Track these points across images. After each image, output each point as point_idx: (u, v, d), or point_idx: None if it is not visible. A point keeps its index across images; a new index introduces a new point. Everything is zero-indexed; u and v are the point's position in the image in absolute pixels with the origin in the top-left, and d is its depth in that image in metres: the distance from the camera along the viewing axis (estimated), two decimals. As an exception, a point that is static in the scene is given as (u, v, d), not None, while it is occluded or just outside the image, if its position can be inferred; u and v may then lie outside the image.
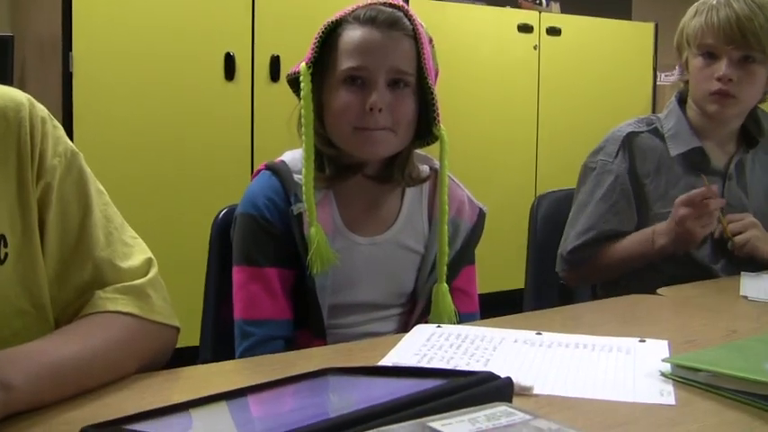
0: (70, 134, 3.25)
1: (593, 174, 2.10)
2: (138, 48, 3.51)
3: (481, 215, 1.67)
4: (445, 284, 1.56)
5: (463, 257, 1.63)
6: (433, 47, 1.58)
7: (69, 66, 3.36)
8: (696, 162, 2.06)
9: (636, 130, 2.12)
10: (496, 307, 1.61)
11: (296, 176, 1.51)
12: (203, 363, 1.26)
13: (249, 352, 1.45)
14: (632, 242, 2.01)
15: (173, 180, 3.62)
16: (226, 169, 3.67)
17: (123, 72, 3.48)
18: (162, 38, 3.56)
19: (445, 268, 1.56)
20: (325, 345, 1.45)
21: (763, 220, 2.07)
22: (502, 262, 3.88)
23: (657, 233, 1.94)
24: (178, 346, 1.30)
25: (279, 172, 1.53)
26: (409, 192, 1.62)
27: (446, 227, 1.55)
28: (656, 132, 2.11)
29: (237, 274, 1.52)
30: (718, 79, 1.96)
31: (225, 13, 3.70)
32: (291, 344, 1.49)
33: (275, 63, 3.79)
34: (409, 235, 1.60)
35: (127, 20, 3.48)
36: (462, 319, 1.58)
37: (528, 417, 0.73)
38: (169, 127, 3.60)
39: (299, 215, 1.48)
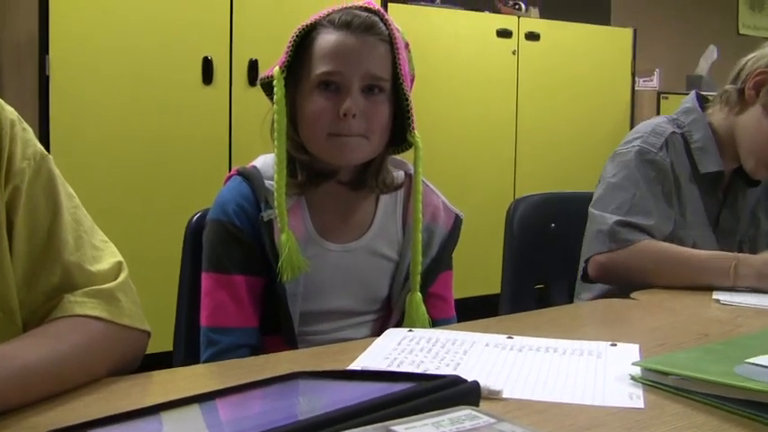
0: (47, 137, 3.26)
1: (629, 157, 2.00)
2: (116, 51, 3.50)
3: (457, 221, 1.65)
4: (419, 294, 1.54)
5: (440, 263, 1.62)
6: (409, 51, 1.56)
7: (46, 69, 3.35)
8: (708, 184, 2.06)
9: (675, 131, 2.06)
10: (473, 312, 1.61)
11: (267, 182, 1.50)
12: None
13: (213, 360, 1.45)
14: (701, 256, 1.85)
15: (150, 184, 3.61)
16: (204, 174, 3.66)
17: (100, 76, 3.47)
18: (140, 41, 3.55)
19: (419, 277, 1.54)
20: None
21: (750, 245, 2.08)
22: (479, 266, 3.88)
23: (743, 263, 1.79)
24: (152, 351, 1.29)
25: (250, 178, 1.52)
26: (383, 198, 1.61)
27: (420, 235, 1.54)
28: (686, 140, 2.06)
29: (205, 280, 1.51)
30: None
31: (203, 16, 3.70)
32: (259, 352, 1.47)
33: (253, 67, 3.78)
34: (383, 242, 1.59)
35: (104, 24, 3.47)
36: (439, 324, 1.57)
37: (492, 420, 0.73)
38: (147, 131, 3.59)
39: (270, 222, 1.47)
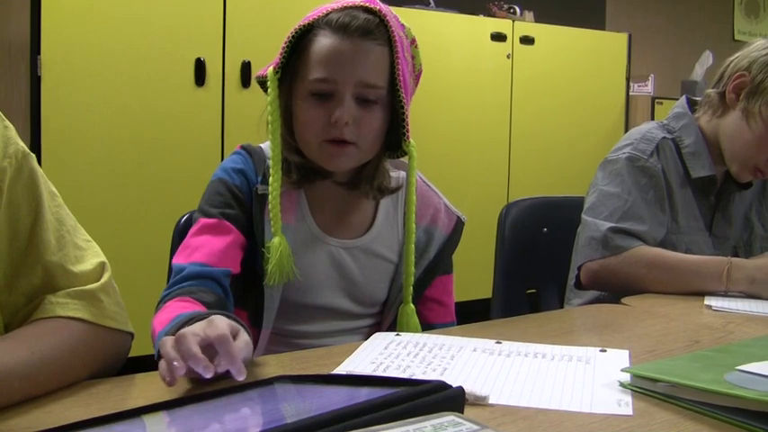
0: (38, 138, 3.24)
1: (620, 164, 1.99)
2: (108, 52, 3.49)
3: (459, 224, 1.63)
4: (411, 305, 1.52)
5: (437, 266, 1.59)
6: (416, 47, 1.54)
7: (37, 69, 3.34)
8: (700, 188, 2.05)
9: (666, 136, 2.04)
10: (465, 316, 1.59)
11: (268, 160, 1.49)
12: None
13: (174, 291, 1.35)
14: (693, 260, 1.86)
15: (141, 186, 3.59)
16: (196, 175, 3.63)
17: (92, 77, 3.46)
18: (132, 43, 3.54)
19: (411, 289, 1.52)
20: (258, 334, 1.43)
21: (744, 248, 2.07)
22: (473, 271, 3.86)
23: (736, 267, 1.79)
24: (138, 353, 1.27)
25: (252, 152, 1.52)
26: (384, 199, 1.59)
27: (413, 246, 1.51)
28: (677, 145, 2.05)
29: (193, 227, 1.46)
30: None
31: (196, 18, 3.69)
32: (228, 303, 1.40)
33: (246, 69, 3.77)
34: (383, 243, 1.57)
35: (96, 25, 3.45)
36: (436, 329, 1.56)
37: (476, 427, 0.71)
38: (139, 132, 3.58)
39: (263, 196, 1.46)
